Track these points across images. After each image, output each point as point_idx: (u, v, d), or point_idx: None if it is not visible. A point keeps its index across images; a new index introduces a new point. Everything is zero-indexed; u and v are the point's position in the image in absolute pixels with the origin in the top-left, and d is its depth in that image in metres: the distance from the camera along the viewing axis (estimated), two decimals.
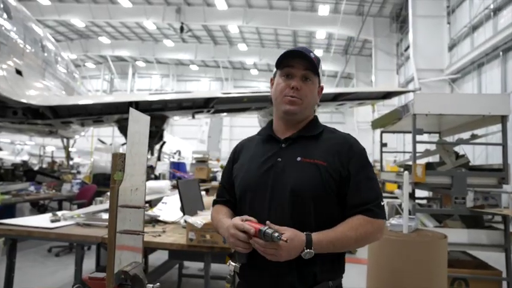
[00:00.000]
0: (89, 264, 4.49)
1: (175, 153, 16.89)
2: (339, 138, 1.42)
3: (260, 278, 1.35)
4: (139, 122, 1.24)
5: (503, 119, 3.84)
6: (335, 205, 1.36)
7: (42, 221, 3.02)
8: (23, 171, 9.43)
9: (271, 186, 1.35)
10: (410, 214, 3.33)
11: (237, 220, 1.30)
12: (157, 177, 8.35)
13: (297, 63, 1.39)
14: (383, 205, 1.38)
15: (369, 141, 20.29)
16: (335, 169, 1.34)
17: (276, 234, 1.20)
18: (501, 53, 10.84)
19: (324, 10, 18.93)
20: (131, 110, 1.16)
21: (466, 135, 5.10)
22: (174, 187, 5.03)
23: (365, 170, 1.37)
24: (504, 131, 3.86)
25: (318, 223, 1.31)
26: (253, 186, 1.40)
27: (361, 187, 1.34)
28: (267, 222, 1.26)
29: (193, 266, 4.82)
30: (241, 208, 1.44)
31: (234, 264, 1.39)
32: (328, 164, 1.33)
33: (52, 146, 16.75)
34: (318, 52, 24.24)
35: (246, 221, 1.28)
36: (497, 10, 11.22)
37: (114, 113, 8.76)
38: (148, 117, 1.29)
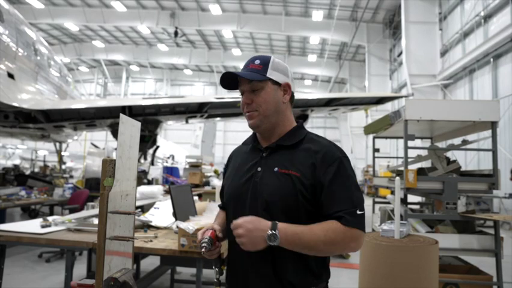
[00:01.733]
0: (80, 269, 4.45)
1: (168, 158, 16.84)
2: (317, 147, 1.39)
3: (236, 285, 1.42)
4: (130, 127, 1.23)
5: (493, 125, 3.88)
6: (309, 216, 1.33)
7: (32, 226, 2.98)
8: (14, 176, 9.34)
9: (250, 195, 1.39)
10: (402, 219, 3.35)
11: (200, 231, 1.43)
12: (150, 182, 8.31)
13: (242, 78, 1.42)
14: (361, 214, 1.31)
15: (362, 146, 20.41)
16: (308, 179, 1.33)
17: (203, 244, 1.34)
18: (491, 60, 10.99)
19: (317, 16, 19.09)
20: (122, 116, 1.15)
21: (457, 140, 5.15)
22: (167, 192, 5.01)
23: (341, 179, 1.33)
24: (494, 137, 3.90)
25: None
26: (234, 195, 1.45)
27: (336, 196, 1.31)
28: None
29: (185, 272, 4.80)
30: (227, 216, 1.49)
31: (216, 269, 1.46)
32: (302, 174, 1.33)
33: (44, 150, 16.65)
34: (312, 57, 24.42)
35: (207, 231, 1.40)
36: (487, 17, 11.39)
37: (107, 117, 8.73)
38: (139, 123, 1.29)
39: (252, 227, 1.25)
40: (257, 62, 1.42)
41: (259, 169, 1.41)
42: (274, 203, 1.33)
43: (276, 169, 1.37)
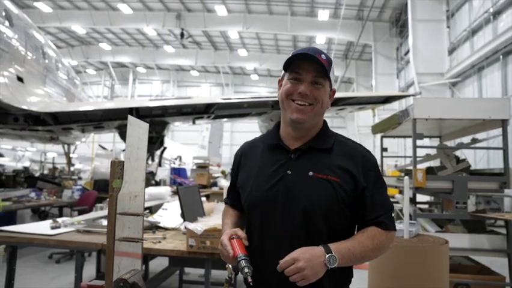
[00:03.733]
0: (90, 270, 4.48)
1: (175, 159, 16.88)
2: (352, 151, 1.37)
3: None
4: (138, 129, 1.24)
5: (503, 123, 3.83)
6: (348, 220, 1.35)
7: (42, 227, 3.01)
8: (24, 178, 9.44)
9: (282, 201, 1.31)
10: (411, 219, 3.32)
11: (225, 238, 1.32)
12: (157, 183, 8.33)
13: (307, 66, 1.31)
14: (394, 216, 1.39)
15: (370, 145, 20.27)
16: (348, 185, 1.31)
17: (246, 270, 1.21)
18: (501, 57, 10.85)
19: (323, 15, 19.01)
20: (130, 118, 1.16)
21: (466, 139, 5.09)
22: (175, 193, 5.02)
23: (378, 184, 1.36)
24: (505, 135, 3.85)
25: (331, 239, 1.28)
26: (261, 200, 1.34)
27: (375, 202, 1.33)
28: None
29: (194, 272, 4.80)
30: (250, 222, 1.40)
31: (230, 267, 1.41)
32: (342, 180, 1.30)
33: (53, 152, 16.79)
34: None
35: (234, 239, 1.30)
36: (496, 14, 11.25)
37: (114, 119, 8.77)
38: (147, 125, 1.29)
39: (309, 256, 1.19)
40: (323, 56, 1.32)
41: (289, 172, 1.32)
42: (315, 210, 1.28)
43: (310, 173, 1.31)
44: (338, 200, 1.29)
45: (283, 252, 1.23)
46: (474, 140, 4.55)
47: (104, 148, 15.18)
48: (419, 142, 3.95)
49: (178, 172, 9.91)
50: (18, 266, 2.93)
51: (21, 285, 4.27)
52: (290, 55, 1.35)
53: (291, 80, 1.34)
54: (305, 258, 1.17)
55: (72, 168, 14.64)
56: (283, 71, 1.39)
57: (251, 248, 1.34)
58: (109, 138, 21.59)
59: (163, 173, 9.27)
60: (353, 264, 1.30)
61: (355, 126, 22.36)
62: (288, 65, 1.34)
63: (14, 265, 2.87)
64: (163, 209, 3.61)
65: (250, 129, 21.04)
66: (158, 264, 4.75)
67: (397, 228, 2.75)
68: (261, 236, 1.34)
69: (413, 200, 4.59)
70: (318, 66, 1.31)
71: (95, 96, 29.10)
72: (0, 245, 4.74)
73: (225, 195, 3.68)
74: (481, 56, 11.58)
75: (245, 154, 1.49)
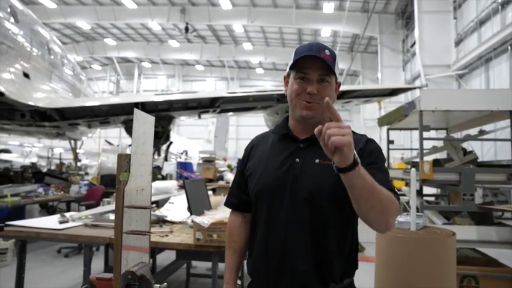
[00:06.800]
0: (98, 264, 4.53)
1: (181, 153, 16.93)
2: (357, 139, 1.36)
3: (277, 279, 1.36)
4: (144, 122, 1.24)
5: (511, 114, 3.79)
6: (353, 208, 1.31)
7: (51, 222, 3.05)
8: (32, 173, 9.53)
9: (290, 187, 1.35)
10: (417, 211, 3.31)
11: None
12: (164, 178, 8.37)
13: (313, 64, 1.34)
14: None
15: (376, 138, 20.06)
16: None
17: None
18: (509, 48, 10.70)
19: (328, 7, 18.86)
20: (136, 111, 1.16)
21: (474, 131, 5.05)
22: (181, 187, 5.05)
23: (378, 163, 1.32)
24: None
25: (336, 223, 1.32)
26: (271, 186, 1.38)
27: (375, 176, 1.24)
28: None
29: (201, 266, 4.83)
30: (257, 208, 1.43)
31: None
32: None
33: (60, 148, 16.92)
34: None
35: None
36: (505, 4, 11.06)
37: (120, 114, 8.81)
38: (153, 118, 1.29)
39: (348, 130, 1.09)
40: (327, 52, 1.34)
41: (297, 160, 1.37)
42: (319, 194, 1.30)
43: (317, 160, 1.34)
44: (342, 184, 1.24)
45: (288, 238, 1.30)
46: (481, 132, 4.51)
47: (110, 143, 15.28)
48: (425, 134, 3.92)
49: (184, 166, 9.93)
50: (27, 260, 2.98)
51: (31, 279, 4.34)
52: (294, 53, 1.37)
53: (297, 79, 1.37)
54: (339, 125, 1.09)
55: (79, 164, 14.74)
56: (288, 68, 1.42)
57: (257, 235, 1.40)
58: (115, 134, 21.71)
59: (169, 168, 9.30)
60: (366, 194, 1.15)
61: (361, 120, 22.26)
62: (294, 65, 1.37)
63: (24, 259, 2.92)
64: (169, 203, 3.63)
65: (255, 123, 21.07)
66: (166, 258, 4.79)
67: (404, 220, 2.76)
68: (267, 223, 1.38)
69: (419, 193, 4.57)
70: (323, 64, 1.33)
71: (100, 92, 29.24)
72: (10, 240, 4.82)
73: None
74: (489, 47, 11.43)
75: (256, 146, 1.53)
